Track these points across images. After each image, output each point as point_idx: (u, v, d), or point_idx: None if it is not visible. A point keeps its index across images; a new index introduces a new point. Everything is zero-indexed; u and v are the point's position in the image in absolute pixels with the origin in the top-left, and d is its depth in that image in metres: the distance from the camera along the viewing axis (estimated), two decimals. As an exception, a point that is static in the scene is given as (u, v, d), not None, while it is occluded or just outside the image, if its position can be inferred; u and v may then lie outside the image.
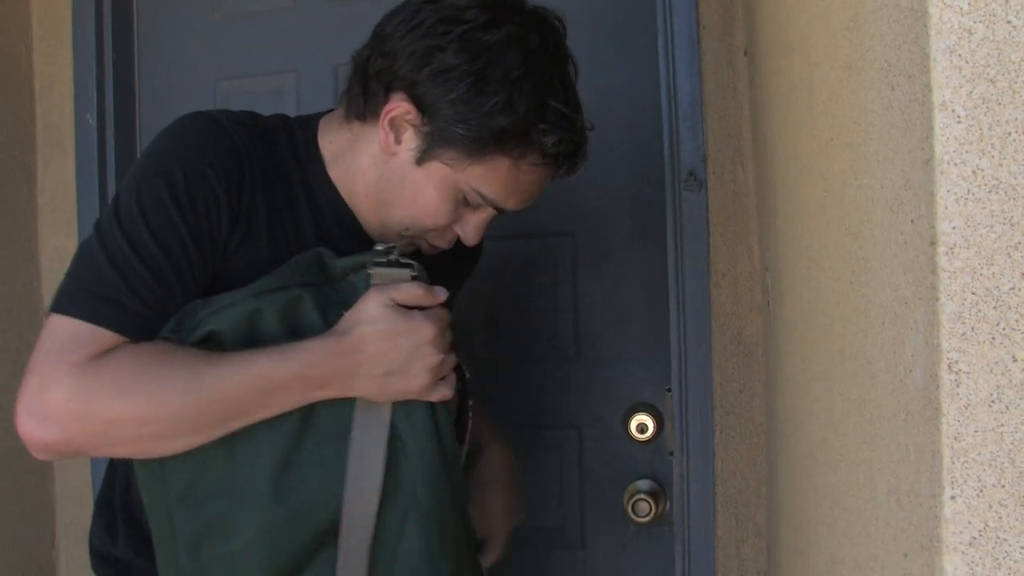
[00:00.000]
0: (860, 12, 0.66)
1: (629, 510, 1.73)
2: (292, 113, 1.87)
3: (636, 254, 1.77)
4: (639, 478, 1.75)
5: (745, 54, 1.67)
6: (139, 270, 0.96)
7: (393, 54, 1.06)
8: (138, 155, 1.96)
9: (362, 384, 1.00)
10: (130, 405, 0.92)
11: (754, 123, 1.60)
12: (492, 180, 1.08)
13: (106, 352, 0.92)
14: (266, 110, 1.88)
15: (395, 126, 1.08)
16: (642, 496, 1.72)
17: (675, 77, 1.69)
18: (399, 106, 1.06)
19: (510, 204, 1.11)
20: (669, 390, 1.71)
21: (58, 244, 1.94)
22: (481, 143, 1.04)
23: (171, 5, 1.97)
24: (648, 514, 1.71)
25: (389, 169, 1.10)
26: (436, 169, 1.07)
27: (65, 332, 0.93)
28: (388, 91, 1.07)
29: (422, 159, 1.07)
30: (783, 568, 1.34)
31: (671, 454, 1.71)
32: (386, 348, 1.00)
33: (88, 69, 1.91)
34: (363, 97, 1.09)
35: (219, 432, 0.96)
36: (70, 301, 0.94)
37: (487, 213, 1.13)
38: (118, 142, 1.94)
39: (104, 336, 0.93)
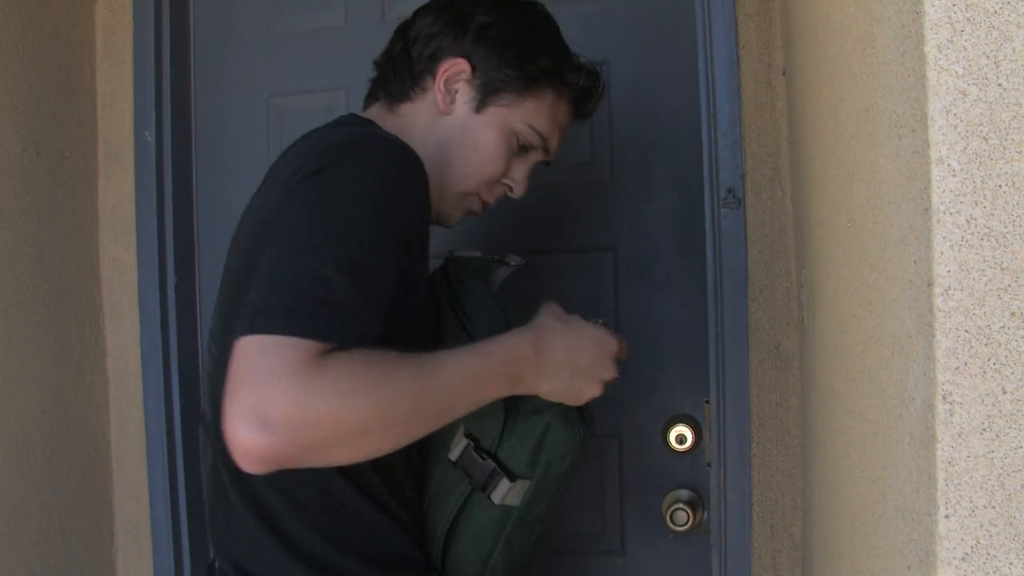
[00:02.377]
0: (875, 62, 0.70)
1: (668, 519, 1.77)
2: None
3: (676, 269, 1.82)
4: (678, 487, 1.80)
5: (784, 74, 1.71)
6: (347, 280, 0.93)
7: (432, 35, 1.24)
8: (194, 169, 2.05)
9: (548, 382, 1.09)
10: (358, 407, 0.90)
11: (791, 143, 1.64)
12: (541, 113, 1.26)
13: (323, 358, 0.88)
14: (318, 126, 1.98)
15: (449, 87, 1.23)
16: (680, 505, 1.76)
17: (715, 96, 1.73)
18: (453, 64, 1.22)
19: (554, 141, 1.30)
20: (708, 402, 1.75)
21: (117, 255, 2.03)
22: (531, 80, 1.24)
23: (226, 26, 2.05)
24: (686, 523, 1.75)
25: (448, 128, 1.24)
26: (493, 113, 1.24)
27: (277, 346, 0.88)
28: (435, 62, 1.23)
29: (480, 107, 1.23)
30: (815, 577, 1.38)
31: (709, 465, 1.75)
32: (575, 353, 1.11)
33: (147, 88, 2.00)
34: (410, 78, 1.24)
35: (431, 428, 0.99)
36: (270, 319, 0.89)
37: (531, 161, 1.29)
38: (175, 157, 2.02)
39: (316, 345, 0.89)
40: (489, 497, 1.14)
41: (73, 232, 1.95)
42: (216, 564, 1.18)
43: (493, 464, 1.13)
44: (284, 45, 2.02)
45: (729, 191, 1.72)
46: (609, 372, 1.14)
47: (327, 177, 0.98)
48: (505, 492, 1.14)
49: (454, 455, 1.16)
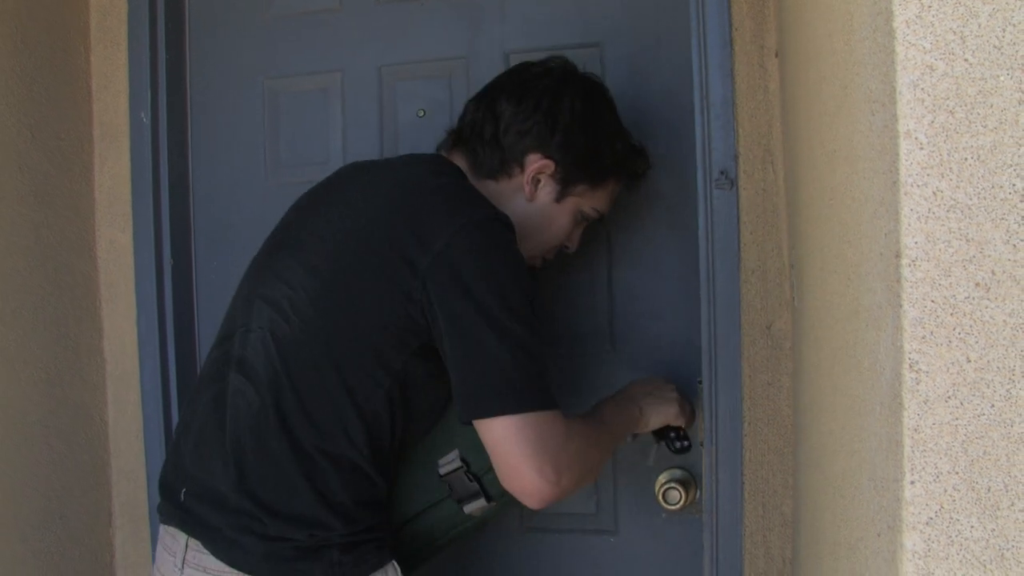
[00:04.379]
0: (852, 38, 0.71)
1: (660, 498, 1.78)
2: (338, 112, 1.97)
3: (669, 250, 1.83)
4: (670, 467, 1.81)
5: (776, 56, 1.72)
6: (538, 359, 1.28)
7: (523, 132, 1.48)
8: (190, 150, 2.06)
9: (644, 422, 1.59)
10: (593, 461, 1.37)
11: (784, 124, 1.65)
12: (604, 198, 1.58)
13: (567, 424, 1.29)
14: (312, 108, 1.99)
15: (534, 178, 1.49)
16: (673, 485, 1.78)
17: (708, 78, 1.74)
18: (542, 164, 1.48)
19: (607, 211, 1.61)
20: (700, 382, 1.76)
21: (113, 237, 2.03)
22: (603, 176, 1.54)
23: (221, 7, 2.05)
24: (678, 502, 1.77)
25: (530, 211, 1.51)
26: (570, 202, 1.53)
27: (536, 424, 1.25)
28: (524, 157, 1.48)
29: (560, 198, 1.52)
30: (802, 553, 1.39)
31: (701, 444, 1.76)
32: (657, 402, 1.60)
33: (142, 70, 1.99)
34: (499, 164, 1.49)
35: None
36: (519, 399, 1.25)
37: (585, 225, 1.60)
38: (170, 139, 2.01)
39: (553, 414, 1.27)
40: (461, 507, 1.43)
41: (69, 214, 1.96)
42: (214, 490, 1.35)
43: (477, 487, 1.41)
44: (279, 27, 2.02)
45: (722, 172, 1.73)
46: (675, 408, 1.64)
47: (485, 270, 1.28)
48: (476, 507, 1.42)
49: (443, 470, 1.43)
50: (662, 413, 1.60)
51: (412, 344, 1.31)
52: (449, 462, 1.43)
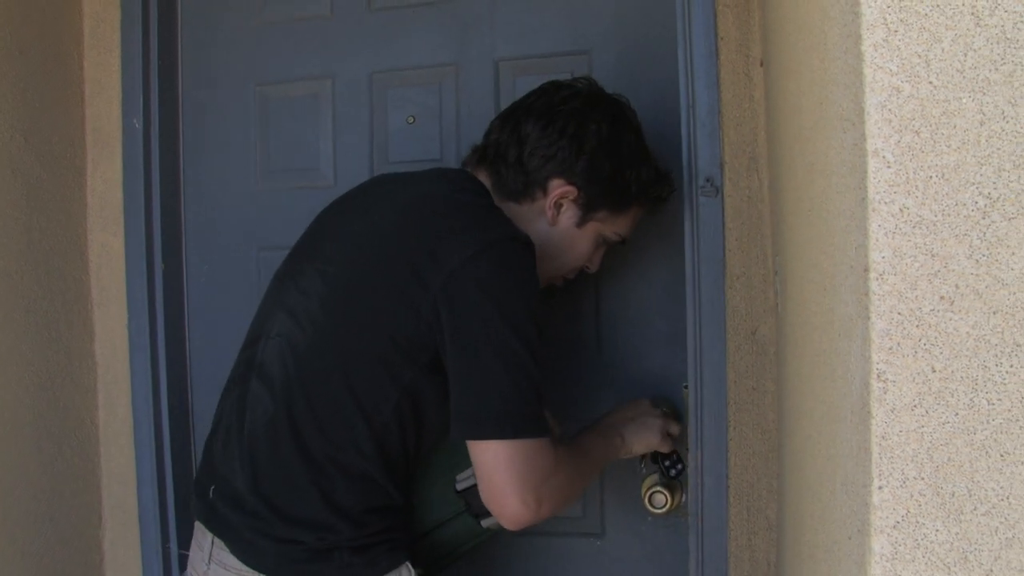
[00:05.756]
0: (826, 56, 0.73)
1: (646, 501, 1.79)
2: (329, 118, 1.98)
3: (655, 257, 1.85)
4: (656, 471, 1.83)
5: (761, 65, 1.74)
6: (538, 385, 1.29)
7: (548, 157, 1.46)
8: (181, 156, 2.07)
9: (627, 450, 1.60)
10: (574, 490, 1.40)
11: (768, 132, 1.67)
12: (626, 223, 1.56)
13: (555, 452, 1.31)
14: (303, 114, 2.01)
15: (557, 203, 1.48)
16: (659, 489, 1.79)
17: (694, 87, 1.76)
18: (565, 190, 1.47)
19: (628, 235, 1.60)
20: (686, 387, 1.78)
21: (105, 241, 2.05)
22: (625, 204, 1.52)
23: (213, 14, 2.07)
24: (664, 506, 1.78)
25: (552, 235, 1.50)
26: (591, 227, 1.52)
27: (524, 452, 1.27)
28: (548, 181, 1.47)
29: (582, 223, 1.51)
30: (786, 556, 1.42)
31: (687, 448, 1.78)
32: (639, 430, 1.62)
33: (135, 75, 2.01)
34: (523, 187, 1.48)
35: None
36: (515, 425, 1.27)
37: (606, 248, 1.60)
38: (162, 144, 2.03)
39: (544, 443, 1.29)
40: (479, 521, 1.45)
41: (62, 218, 1.97)
42: (235, 491, 1.39)
43: None
44: (271, 33, 2.03)
45: (707, 179, 1.75)
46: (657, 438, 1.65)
47: (496, 292, 1.28)
48: (494, 522, 1.42)
49: (460, 486, 1.45)
50: (643, 441, 1.62)
51: (421, 359, 1.32)
52: (467, 478, 1.45)
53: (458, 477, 1.47)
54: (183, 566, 1.47)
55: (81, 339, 2.01)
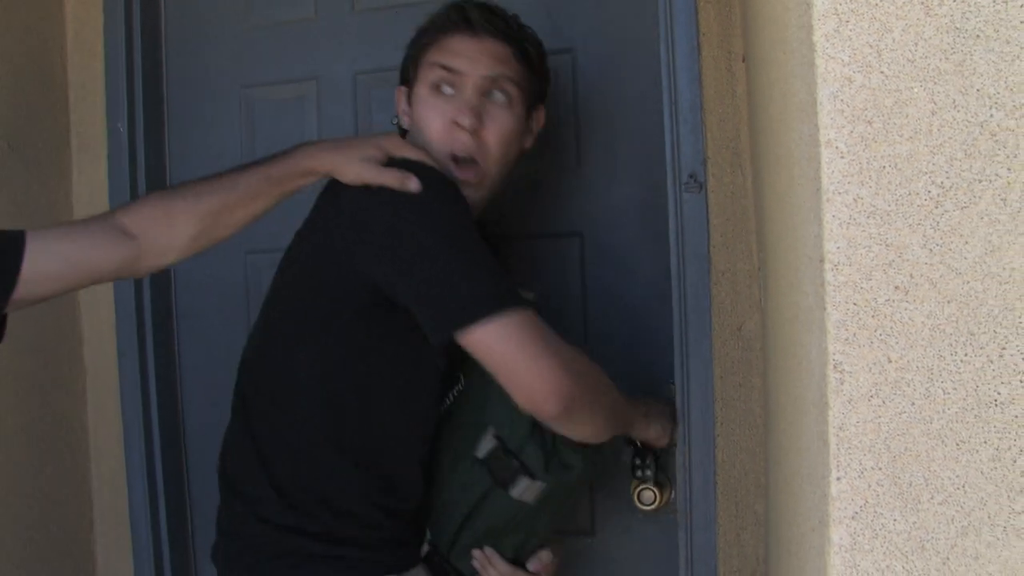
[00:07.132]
0: (787, 48, 0.74)
1: (635, 498, 1.79)
2: (314, 120, 1.98)
3: (641, 253, 1.85)
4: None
5: (743, 61, 1.74)
6: (498, 268, 1.22)
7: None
8: (167, 160, 2.08)
9: (645, 424, 1.61)
10: (602, 384, 1.30)
11: (750, 128, 1.67)
12: (438, 54, 1.45)
13: (548, 327, 1.20)
14: (289, 116, 2.01)
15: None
16: (647, 485, 1.79)
17: (676, 83, 1.76)
18: (399, 90, 1.52)
19: (460, 63, 1.42)
20: (672, 383, 1.78)
21: (93, 246, 2.05)
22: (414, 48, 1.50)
23: (197, 17, 2.07)
24: (653, 502, 1.78)
25: (412, 130, 1.47)
26: (416, 90, 1.45)
27: (526, 321, 1.16)
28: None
29: (411, 98, 1.47)
30: (772, 550, 1.42)
31: (674, 445, 1.78)
32: (662, 420, 1.64)
33: (119, 80, 2.01)
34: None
35: None
36: (498, 299, 1.16)
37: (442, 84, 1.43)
38: (147, 148, 2.04)
39: (536, 315, 1.19)
40: (508, 493, 1.36)
41: (47, 223, 1.97)
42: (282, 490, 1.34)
43: (517, 463, 1.35)
44: (256, 36, 2.03)
45: (691, 175, 1.75)
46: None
47: (403, 196, 1.23)
48: (524, 489, 1.36)
49: (481, 454, 1.37)
50: (658, 429, 1.63)
51: (344, 311, 1.27)
52: (485, 443, 1.38)
53: (476, 447, 1.40)
54: None
55: (70, 344, 2.02)
